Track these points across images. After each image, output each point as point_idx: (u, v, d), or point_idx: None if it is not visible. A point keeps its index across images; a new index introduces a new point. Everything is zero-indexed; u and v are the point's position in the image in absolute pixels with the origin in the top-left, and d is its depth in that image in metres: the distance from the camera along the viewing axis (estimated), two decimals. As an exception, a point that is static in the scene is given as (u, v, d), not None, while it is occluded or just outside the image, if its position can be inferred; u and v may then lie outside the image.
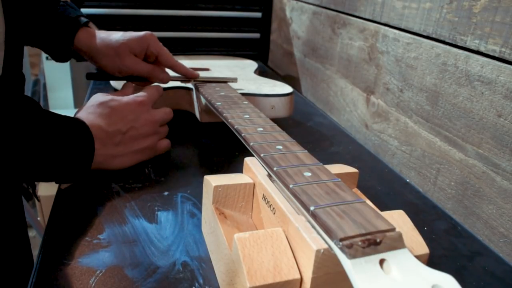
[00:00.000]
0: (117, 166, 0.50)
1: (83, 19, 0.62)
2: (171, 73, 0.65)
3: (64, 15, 0.61)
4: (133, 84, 0.61)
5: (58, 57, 0.65)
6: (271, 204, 0.33)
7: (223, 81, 0.66)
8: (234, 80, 0.67)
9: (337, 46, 0.81)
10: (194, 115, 0.66)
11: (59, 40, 0.61)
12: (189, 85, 0.67)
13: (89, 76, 0.64)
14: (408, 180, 0.57)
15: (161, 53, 0.63)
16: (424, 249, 0.32)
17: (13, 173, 0.41)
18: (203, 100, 0.60)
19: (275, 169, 0.32)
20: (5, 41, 0.44)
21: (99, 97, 0.51)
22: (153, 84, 0.61)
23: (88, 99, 0.59)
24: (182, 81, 0.66)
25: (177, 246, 0.39)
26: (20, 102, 0.41)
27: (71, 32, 0.60)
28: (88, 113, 0.49)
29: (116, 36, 0.60)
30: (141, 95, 0.54)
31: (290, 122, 0.73)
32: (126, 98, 0.52)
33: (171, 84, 0.66)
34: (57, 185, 0.48)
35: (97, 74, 0.64)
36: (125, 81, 0.63)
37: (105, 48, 0.60)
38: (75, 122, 0.46)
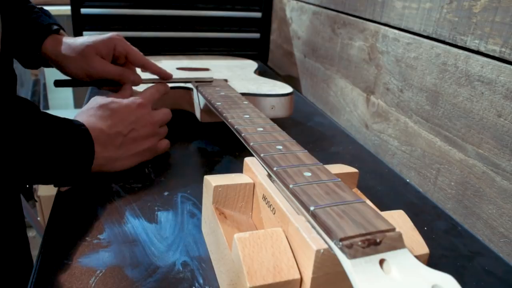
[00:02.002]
0: (118, 169, 0.50)
1: (54, 27, 0.61)
2: (143, 75, 0.64)
3: (36, 21, 0.60)
4: (131, 88, 0.61)
5: (27, 64, 0.63)
6: (271, 204, 0.33)
7: (203, 81, 0.64)
8: (210, 79, 0.66)
9: (337, 46, 0.81)
10: (194, 115, 0.66)
11: (27, 47, 0.59)
12: (189, 85, 0.67)
13: (57, 83, 0.62)
14: (408, 180, 0.57)
15: (130, 52, 0.61)
16: (424, 249, 0.32)
17: (12, 176, 0.41)
18: (203, 101, 0.59)
19: (275, 169, 0.32)
20: (1, 40, 0.44)
21: (99, 99, 0.51)
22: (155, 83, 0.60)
23: (88, 99, 0.59)
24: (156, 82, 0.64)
25: (177, 246, 0.39)
26: (18, 105, 0.41)
27: (40, 38, 0.59)
28: (88, 116, 0.49)
29: (81, 39, 0.59)
30: (140, 96, 0.54)
31: (290, 122, 0.73)
32: (126, 100, 0.52)
33: (171, 84, 0.66)
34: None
35: (66, 81, 0.62)
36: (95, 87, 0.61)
37: (71, 53, 0.58)
38: (75, 125, 0.45)
